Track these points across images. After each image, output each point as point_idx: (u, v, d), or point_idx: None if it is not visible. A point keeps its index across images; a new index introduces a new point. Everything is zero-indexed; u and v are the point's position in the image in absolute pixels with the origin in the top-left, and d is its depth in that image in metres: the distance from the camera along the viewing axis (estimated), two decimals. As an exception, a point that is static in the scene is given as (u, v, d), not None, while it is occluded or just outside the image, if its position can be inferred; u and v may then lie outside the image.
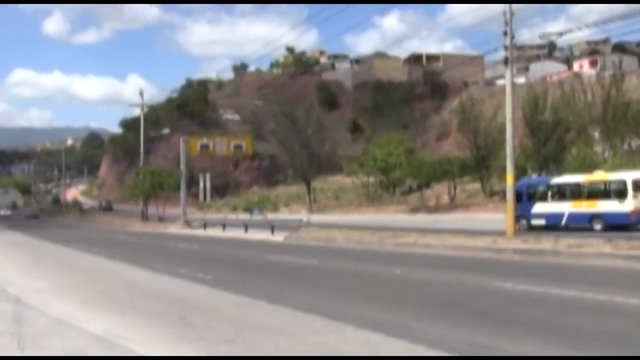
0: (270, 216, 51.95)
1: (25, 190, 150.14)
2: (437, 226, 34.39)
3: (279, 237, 36.24)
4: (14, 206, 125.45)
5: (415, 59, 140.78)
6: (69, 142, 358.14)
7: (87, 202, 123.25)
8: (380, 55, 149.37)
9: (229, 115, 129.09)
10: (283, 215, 59.68)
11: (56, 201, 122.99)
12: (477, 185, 57.55)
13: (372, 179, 68.79)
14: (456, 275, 16.23)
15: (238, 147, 60.07)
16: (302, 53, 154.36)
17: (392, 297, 13.13)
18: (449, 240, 24.65)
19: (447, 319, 10.29)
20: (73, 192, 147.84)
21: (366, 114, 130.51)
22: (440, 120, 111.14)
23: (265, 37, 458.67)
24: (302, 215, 50.83)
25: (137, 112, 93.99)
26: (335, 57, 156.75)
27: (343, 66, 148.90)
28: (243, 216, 60.86)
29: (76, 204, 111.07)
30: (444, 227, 32.63)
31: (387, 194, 66.74)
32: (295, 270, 19.64)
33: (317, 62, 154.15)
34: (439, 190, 60.53)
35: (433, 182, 61.89)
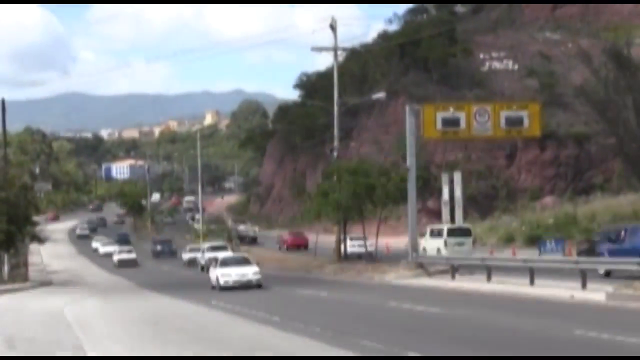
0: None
1: (137, 208, 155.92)
2: None
3: (596, 293, 35.66)
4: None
5: None
6: (208, 118, 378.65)
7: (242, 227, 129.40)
8: None
9: (497, 63, 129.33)
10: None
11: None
12: None
13: None
14: None
15: (514, 123, 59.76)
16: None
17: None
18: None
19: None
20: (216, 208, 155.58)
21: None
22: None
23: None
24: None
25: (324, 62, 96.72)
26: None
27: None
28: (523, 254, 60.53)
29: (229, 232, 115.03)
30: None
31: None
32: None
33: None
34: None
35: None
